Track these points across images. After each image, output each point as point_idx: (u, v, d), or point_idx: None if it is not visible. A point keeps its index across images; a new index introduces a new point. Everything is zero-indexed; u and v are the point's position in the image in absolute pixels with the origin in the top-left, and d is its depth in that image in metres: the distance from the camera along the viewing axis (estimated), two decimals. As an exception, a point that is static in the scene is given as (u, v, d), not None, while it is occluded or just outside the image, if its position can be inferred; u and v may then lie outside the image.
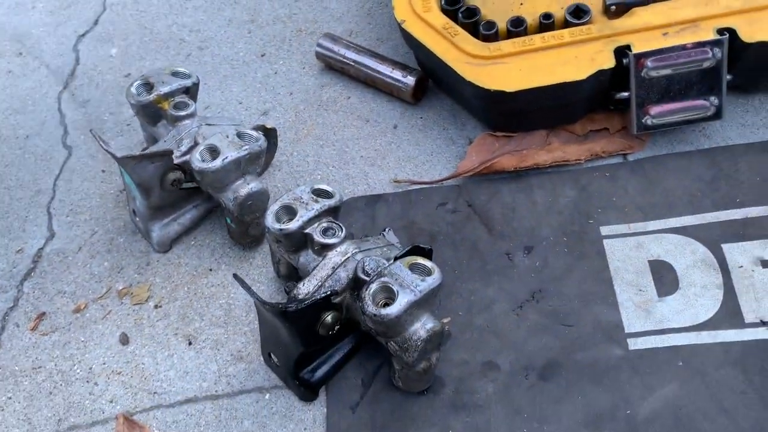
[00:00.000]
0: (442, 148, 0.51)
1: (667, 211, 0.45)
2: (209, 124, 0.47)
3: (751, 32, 0.43)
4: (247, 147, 0.44)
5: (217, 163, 0.43)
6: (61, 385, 0.45)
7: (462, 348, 0.43)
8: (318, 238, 0.41)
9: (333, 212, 0.43)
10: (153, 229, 0.49)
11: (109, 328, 0.47)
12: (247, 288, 0.38)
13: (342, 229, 0.42)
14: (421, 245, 0.42)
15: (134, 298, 0.48)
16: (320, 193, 0.43)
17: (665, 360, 0.40)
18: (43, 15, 0.66)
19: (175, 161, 0.45)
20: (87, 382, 0.45)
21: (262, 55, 0.59)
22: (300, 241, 0.42)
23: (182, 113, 0.47)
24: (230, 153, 0.43)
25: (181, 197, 0.49)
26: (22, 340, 0.47)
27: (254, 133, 0.44)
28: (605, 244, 0.45)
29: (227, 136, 0.44)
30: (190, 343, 0.46)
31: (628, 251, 0.44)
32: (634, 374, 0.40)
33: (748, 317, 0.41)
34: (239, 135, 0.44)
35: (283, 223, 0.41)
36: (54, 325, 0.48)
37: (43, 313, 0.48)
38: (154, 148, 0.47)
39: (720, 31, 0.43)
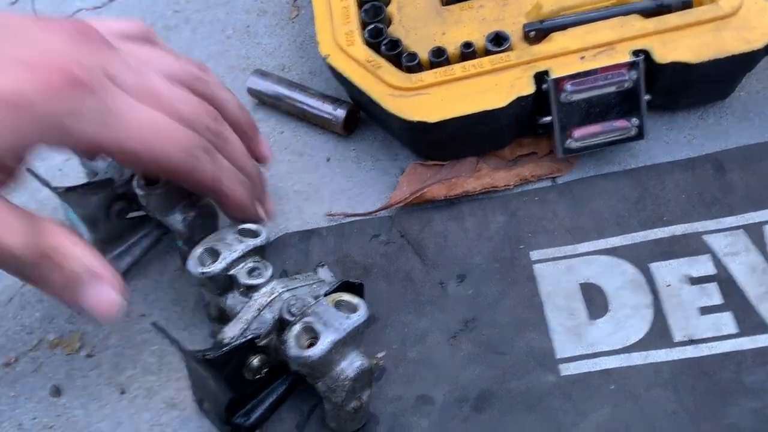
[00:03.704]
0: (375, 179, 0.51)
1: (596, 233, 0.45)
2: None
3: (665, 53, 0.44)
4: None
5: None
6: (-12, 443, 0.44)
7: (396, 382, 0.42)
8: (243, 279, 0.40)
9: (259, 251, 0.42)
10: None
11: (40, 381, 0.46)
12: (167, 335, 0.37)
13: (268, 269, 0.41)
14: (352, 280, 0.42)
15: (66, 348, 0.47)
16: (246, 233, 0.42)
17: (597, 384, 0.40)
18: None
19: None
20: (17, 438, 0.44)
21: (195, 93, 0.58)
22: (225, 283, 0.41)
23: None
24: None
25: (129, 227, 0.48)
26: (-51, 399, 0.46)
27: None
28: (535, 269, 0.45)
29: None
30: (122, 392, 0.45)
31: (558, 275, 0.44)
32: (566, 400, 0.40)
33: (678, 336, 0.41)
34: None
35: (207, 266, 0.41)
36: (-17, 381, 0.47)
37: (-27, 369, 0.47)
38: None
39: (635, 53, 0.44)
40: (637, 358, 0.41)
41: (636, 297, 0.43)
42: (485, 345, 0.42)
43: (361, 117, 0.54)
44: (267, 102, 0.55)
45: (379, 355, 0.43)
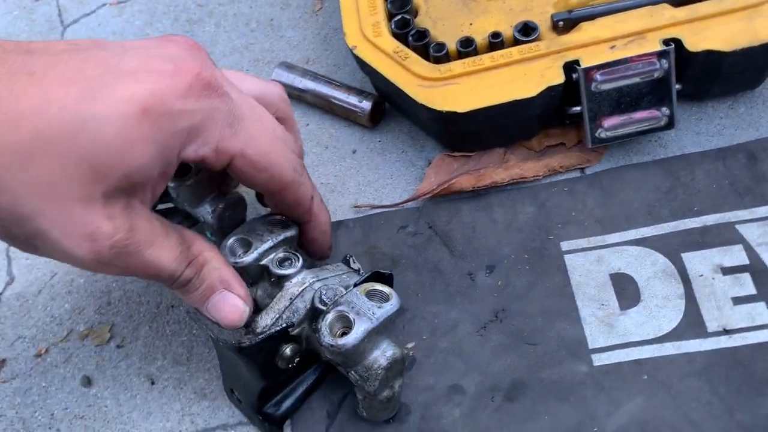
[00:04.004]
0: (402, 170, 0.51)
1: (626, 223, 0.45)
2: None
3: (696, 41, 0.43)
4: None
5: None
6: (21, 433, 0.44)
7: (427, 372, 0.42)
8: (274, 269, 0.40)
9: (290, 242, 0.42)
10: None
11: (71, 372, 0.46)
12: (202, 324, 0.37)
13: (299, 259, 0.41)
14: (381, 271, 0.42)
15: (95, 339, 0.48)
16: (276, 224, 0.42)
17: (630, 374, 0.40)
18: None
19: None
20: (49, 428, 0.44)
21: (220, 87, 0.59)
22: (257, 273, 0.41)
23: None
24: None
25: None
26: (-19, 389, 0.46)
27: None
28: (566, 260, 0.44)
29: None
30: (152, 383, 0.45)
31: (588, 265, 0.44)
32: (599, 390, 0.40)
33: (711, 326, 0.41)
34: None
35: (239, 256, 0.41)
36: (14, 372, 0.47)
37: (4, 360, 0.48)
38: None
39: (666, 42, 0.44)
40: (670, 348, 0.40)
41: (668, 287, 0.42)
42: (516, 335, 0.42)
43: (387, 109, 0.54)
44: (292, 95, 0.56)
45: (409, 345, 0.43)
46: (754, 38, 0.43)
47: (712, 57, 0.44)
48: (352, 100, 0.53)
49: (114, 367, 0.46)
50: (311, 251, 0.44)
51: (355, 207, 0.50)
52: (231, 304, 0.37)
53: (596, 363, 0.41)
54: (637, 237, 0.44)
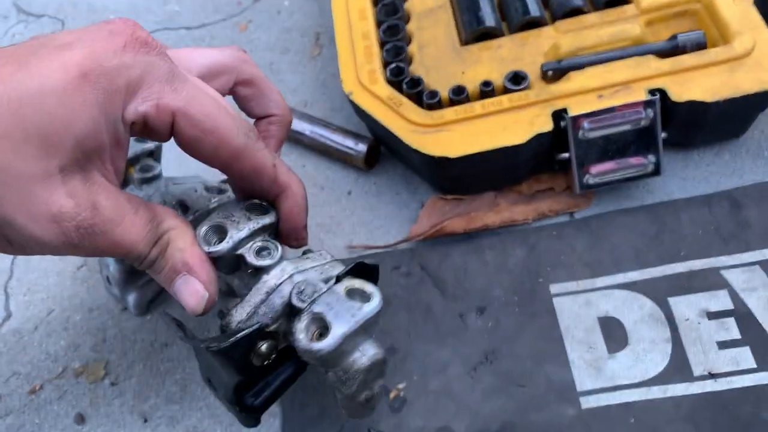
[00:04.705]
0: (395, 212, 0.52)
1: (614, 268, 0.46)
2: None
3: (680, 92, 0.45)
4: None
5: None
6: (13, 470, 0.45)
7: (417, 414, 0.43)
8: (251, 259, 0.37)
9: (269, 230, 0.39)
10: (129, 293, 0.49)
11: (65, 409, 0.47)
12: (176, 324, 0.36)
13: (278, 249, 0.38)
14: (366, 261, 0.39)
15: (90, 377, 0.48)
16: (254, 209, 0.39)
17: (617, 417, 0.40)
18: None
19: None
20: (41, 465, 0.45)
21: (219, 128, 0.60)
22: (233, 262, 0.38)
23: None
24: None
25: None
26: (-26, 426, 0.47)
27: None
28: (555, 303, 0.45)
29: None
30: (145, 421, 0.45)
31: (577, 309, 0.45)
32: (587, 433, 0.40)
33: (697, 370, 0.41)
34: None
35: (213, 244, 0.37)
36: (9, 408, 0.47)
37: (-2, 396, 0.48)
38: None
39: (651, 92, 0.45)
40: (657, 392, 0.41)
41: (655, 331, 0.43)
42: (505, 377, 0.43)
43: (382, 152, 0.55)
44: (290, 137, 0.57)
45: (400, 386, 0.44)
46: (736, 90, 0.45)
47: (695, 107, 0.45)
48: (348, 143, 0.54)
49: (107, 405, 0.47)
50: (287, 231, 0.40)
51: (350, 247, 0.51)
52: (191, 289, 0.35)
53: (584, 406, 0.41)
54: (625, 281, 0.45)
